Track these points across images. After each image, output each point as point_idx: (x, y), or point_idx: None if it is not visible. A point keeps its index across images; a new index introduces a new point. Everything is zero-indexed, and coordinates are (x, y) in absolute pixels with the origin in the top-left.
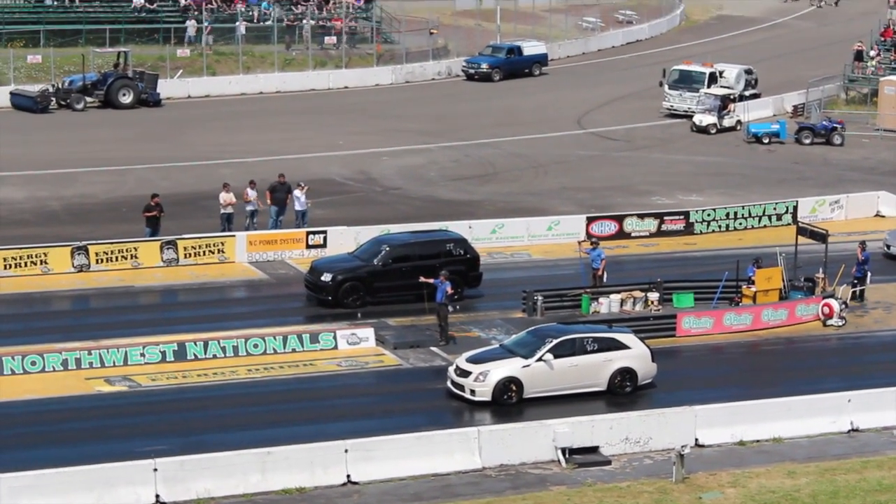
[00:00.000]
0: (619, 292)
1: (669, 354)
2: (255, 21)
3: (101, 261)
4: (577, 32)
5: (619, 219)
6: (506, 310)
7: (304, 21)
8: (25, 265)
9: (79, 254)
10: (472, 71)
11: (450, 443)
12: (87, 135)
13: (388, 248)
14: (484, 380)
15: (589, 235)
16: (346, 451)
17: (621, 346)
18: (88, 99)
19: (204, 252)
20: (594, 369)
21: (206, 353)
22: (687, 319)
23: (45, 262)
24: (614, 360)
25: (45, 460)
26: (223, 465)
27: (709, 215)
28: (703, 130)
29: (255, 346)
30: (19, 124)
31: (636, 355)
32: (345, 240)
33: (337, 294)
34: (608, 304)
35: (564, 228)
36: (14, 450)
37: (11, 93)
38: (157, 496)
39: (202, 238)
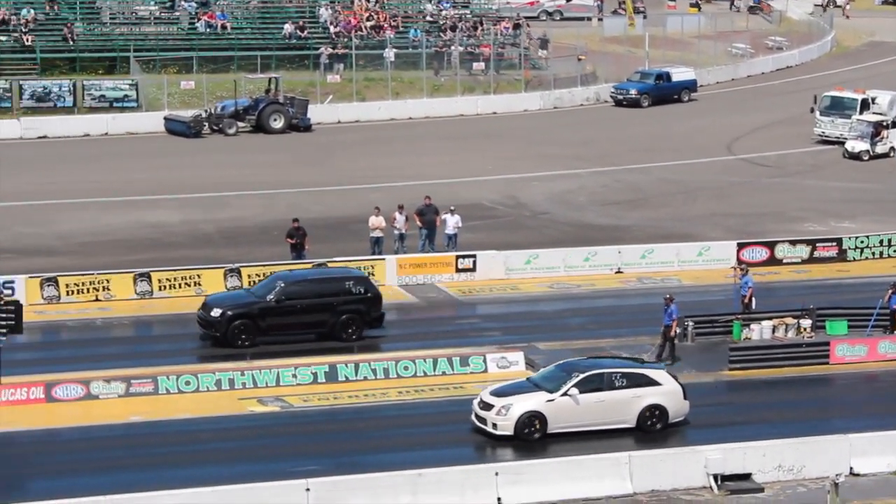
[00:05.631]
0: (770, 319)
1: (822, 382)
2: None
3: (252, 282)
4: (726, 58)
5: (771, 245)
6: (656, 335)
7: (453, 47)
8: (179, 286)
9: (231, 276)
10: (620, 97)
11: (600, 468)
12: (238, 159)
13: (282, 285)
14: (506, 413)
15: (739, 262)
16: (496, 473)
17: (652, 382)
18: (240, 124)
19: None
20: (622, 405)
21: (356, 375)
22: (840, 347)
23: (199, 284)
24: (644, 397)
25: (200, 479)
26: (375, 486)
27: (862, 242)
28: (855, 157)
29: (406, 368)
30: (173, 149)
31: (667, 392)
32: (494, 264)
33: (227, 331)
34: (760, 331)
35: (714, 254)
36: (169, 468)
37: (165, 118)
38: None
39: (352, 261)
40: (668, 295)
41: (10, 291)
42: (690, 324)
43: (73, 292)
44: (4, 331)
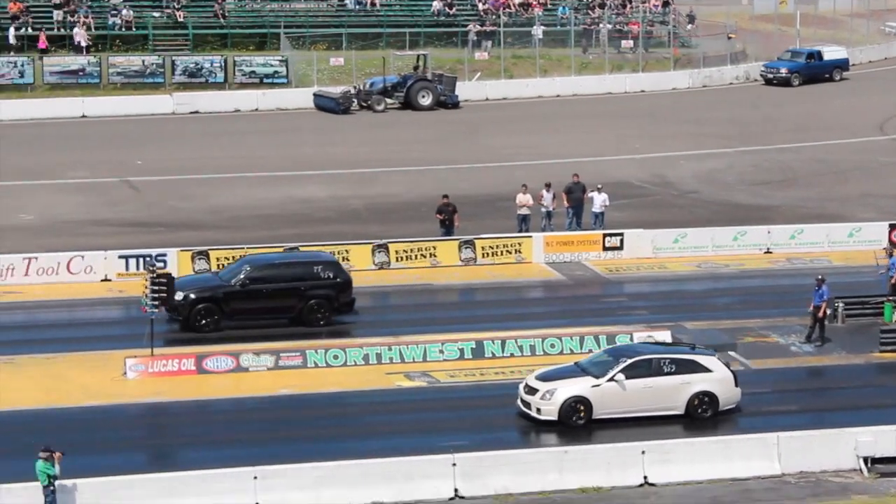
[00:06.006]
0: None
1: None
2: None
3: (401, 259)
4: (879, 37)
5: None
6: (805, 316)
7: (601, 25)
8: None
9: (379, 251)
10: (770, 75)
11: (749, 448)
12: (387, 136)
13: (248, 268)
14: (550, 398)
15: (891, 243)
16: (642, 452)
17: (702, 368)
18: (389, 100)
19: (501, 252)
20: (670, 392)
21: (503, 352)
22: None
23: (347, 260)
24: (693, 384)
25: (346, 452)
26: (521, 462)
27: None
28: None
29: (552, 345)
30: (322, 125)
31: (718, 379)
32: (642, 242)
33: (189, 315)
34: None
35: (866, 235)
36: (316, 441)
37: (315, 94)
38: (456, 491)
39: (499, 238)
40: (820, 276)
41: (162, 264)
42: (841, 305)
43: (223, 266)
44: (157, 303)
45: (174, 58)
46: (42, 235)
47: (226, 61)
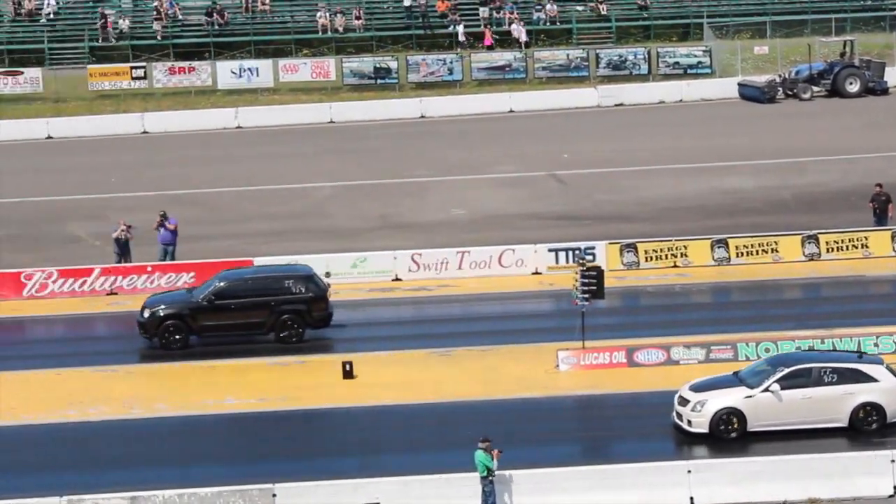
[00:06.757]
0: None
1: None
2: None
3: (831, 250)
4: None
5: None
6: None
7: None
8: (757, 253)
9: (809, 242)
10: None
11: None
12: (814, 124)
13: (216, 284)
14: (701, 410)
15: None
16: None
17: (867, 378)
18: (815, 88)
19: None
20: (832, 403)
21: None
22: None
23: (776, 251)
24: (857, 394)
25: (779, 448)
26: None
27: None
28: None
29: None
30: (747, 114)
31: (885, 389)
32: None
33: (157, 332)
34: None
35: None
36: (748, 435)
37: (739, 83)
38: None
39: None
40: None
41: (591, 257)
42: None
43: (651, 258)
44: (587, 296)
45: (598, 51)
46: (474, 229)
47: (649, 53)
